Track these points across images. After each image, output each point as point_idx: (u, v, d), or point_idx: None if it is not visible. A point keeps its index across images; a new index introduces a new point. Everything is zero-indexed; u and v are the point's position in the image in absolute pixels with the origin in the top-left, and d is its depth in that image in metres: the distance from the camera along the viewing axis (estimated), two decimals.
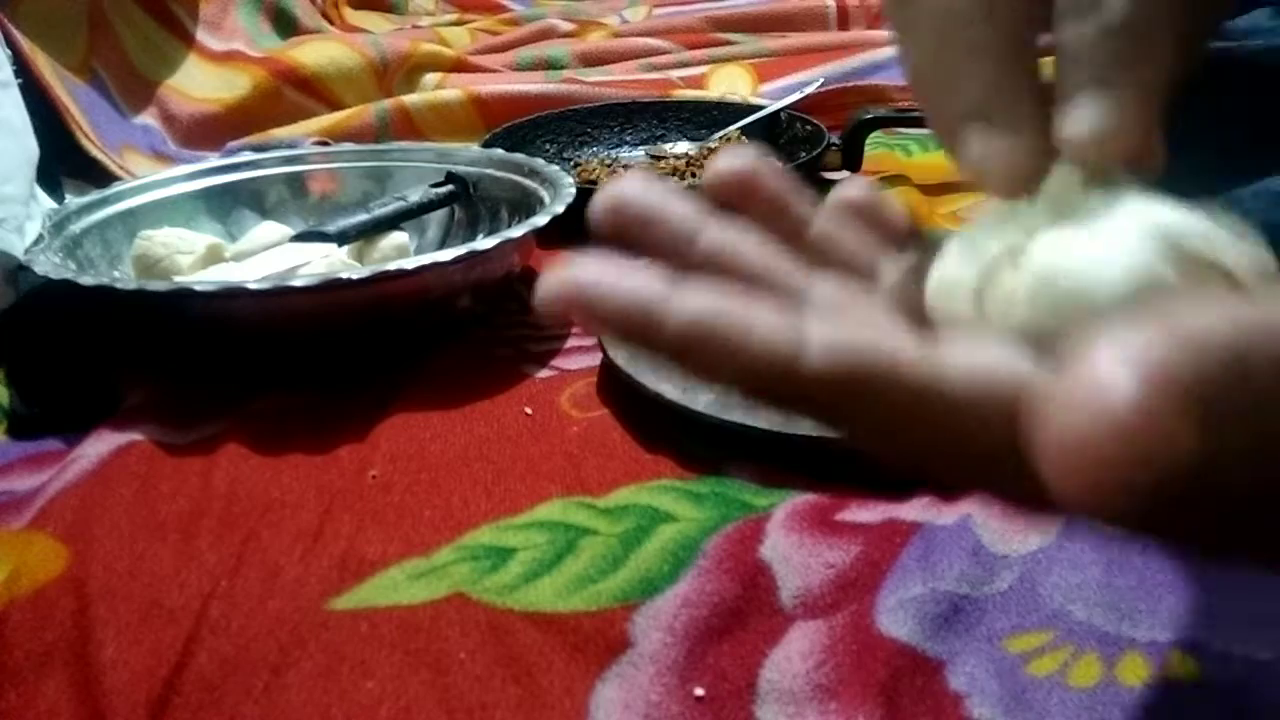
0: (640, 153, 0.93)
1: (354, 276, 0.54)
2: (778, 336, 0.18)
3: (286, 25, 1.18)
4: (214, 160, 0.79)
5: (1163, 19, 0.21)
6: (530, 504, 0.45)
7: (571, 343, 0.60)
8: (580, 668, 0.37)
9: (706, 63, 1.15)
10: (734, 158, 0.25)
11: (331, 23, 1.32)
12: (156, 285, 0.55)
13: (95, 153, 0.81)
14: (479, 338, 0.60)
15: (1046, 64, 0.22)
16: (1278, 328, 0.15)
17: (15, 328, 0.58)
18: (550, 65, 1.17)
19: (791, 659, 0.37)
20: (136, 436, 0.51)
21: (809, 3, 1.34)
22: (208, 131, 0.96)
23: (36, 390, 0.55)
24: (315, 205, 0.74)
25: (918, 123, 0.95)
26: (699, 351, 0.18)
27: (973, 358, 0.19)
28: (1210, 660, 0.35)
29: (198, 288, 0.54)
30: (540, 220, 0.59)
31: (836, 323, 0.19)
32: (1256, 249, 0.20)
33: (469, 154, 0.75)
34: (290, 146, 0.86)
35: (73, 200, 0.67)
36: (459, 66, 1.11)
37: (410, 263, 0.55)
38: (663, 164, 0.84)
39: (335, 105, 1.02)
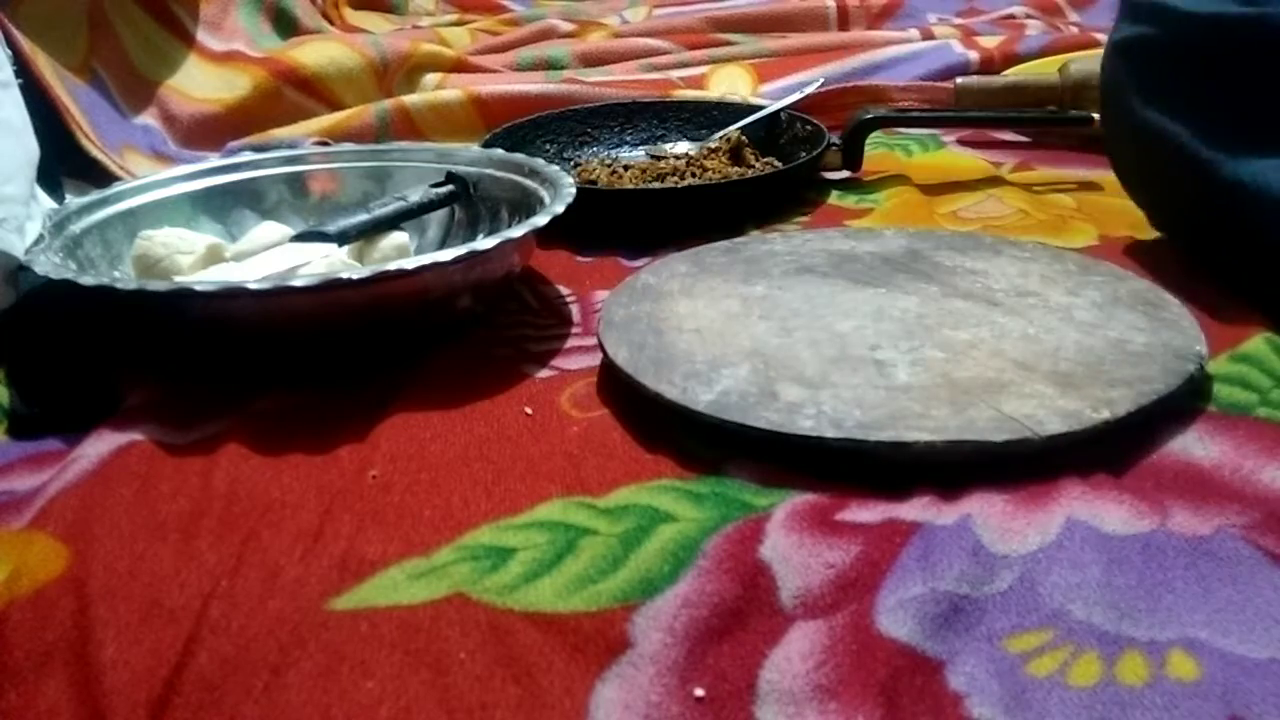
0: (640, 153, 0.93)
1: (354, 276, 0.54)
2: None
3: (287, 25, 1.18)
4: (214, 160, 0.79)
5: None
6: (530, 504, 0.45)
7: (571, 343, 0.60)
8: (580, 668, 0.37)
9: (707, 63, 1.15)
10: None
11: (332, 23, 1.32)
12: (156, 285, 0.55)
13: (95, 153, 0.81)
14: (479, 338, 0.60)
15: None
16: None
17: (15, 328, 0.58)
18: (550, 65, 1.17)
19: (791, 659, 0.37)
20: (136, 436, 0.51)
21: (809, 3, 1.34)
22: (208, 132, 0.96)
23: (36, 390, 0.55)
24: (315, 205, 0.75)
25: (918, 123, 0.95)
26: None
27: None
28: (1210, 660, 0.35)
29: (198, 288, 0.54)
30: (540, 220, 0.59)
31: None
32: None
33: (469, 154, 0.75)
34: (290, 146, 0.87)
35: (73, 200, 0.67)
36: (459, 67, 1.11)
37: (410, 263, 0.55)
38: (663, 164, 0.84)
39: (335, 105, 1.02)
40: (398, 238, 0.66)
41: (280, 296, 0.53)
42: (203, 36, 1.06)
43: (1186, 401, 0.49)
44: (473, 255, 0.55)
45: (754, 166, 0.85)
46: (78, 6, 0.92)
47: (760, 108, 0.93)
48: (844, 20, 1.34)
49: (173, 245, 0.63)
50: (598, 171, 0.84)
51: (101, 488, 0.47)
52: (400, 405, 0.52)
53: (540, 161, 0.71)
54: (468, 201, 0.72)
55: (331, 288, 0.53)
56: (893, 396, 0.48)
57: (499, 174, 0.71)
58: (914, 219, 0.75)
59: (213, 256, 0.63)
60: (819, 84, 0.99)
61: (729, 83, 1.09)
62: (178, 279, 0.60)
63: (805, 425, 0.46)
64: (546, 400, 0.53)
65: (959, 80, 0.98)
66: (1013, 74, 1.03)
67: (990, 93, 0.96)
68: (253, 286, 0.53)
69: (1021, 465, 0.44)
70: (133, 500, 0.46)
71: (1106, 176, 0.82)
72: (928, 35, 1.20)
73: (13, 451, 0.52)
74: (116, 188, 0.70)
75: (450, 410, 0.52)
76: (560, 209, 0.61)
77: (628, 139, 0.94)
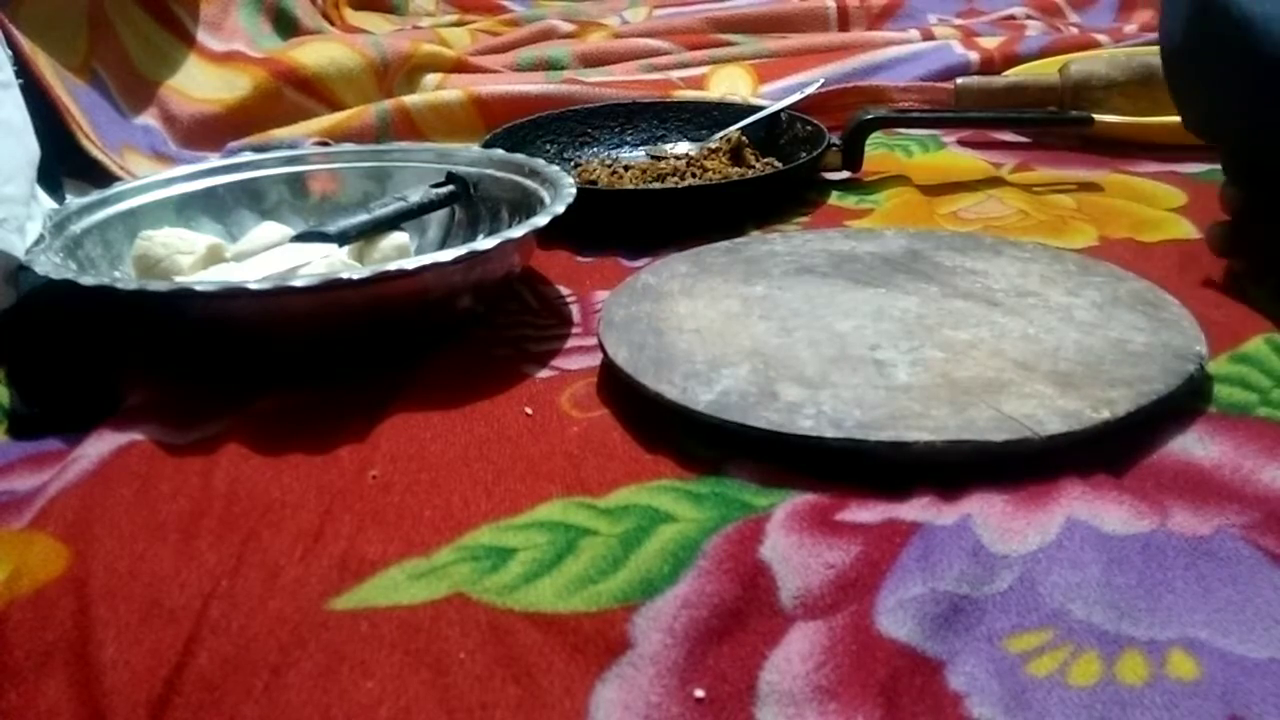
0: (640, 153, 0.93)
1: (354, 276, 0.54)
2: None
3: (287, 26, 1.18)
4: (214, 160, 0.79)
5: None
6: (530, 504, 0.45)
7: (571, 343, 0.60)
8: (580, 668, 0.37)
9: (707, 63, 1.15)
10: None
11: (332, 23, 1.32)
12: (157, 285, 0.55)
13: (96, 153, 0.81)
14: (479, 338, 0.60)
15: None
16: None
17: (15, 328, 0.58)
18: (551, 66, 1.17)
19: (791, 660, 0.37)
20: (136, 436, 0.51)
21: (809, 3, 1.34)
22: (208, 132, 0.96)
23: (36, 390, 0.55)
24: (315, 205, 0.75)
25: (918, 123, 0.95)
26: None
27: None
28: (1210, 660, 0.35)
29: (198, 288, 0.54)
30: (540, 220, 0.59)
31: None
32: None
33: (469, 154, 0.75)
34: (290, 147, 0.87)
35: (73, 200, 0.67)
36: (459, 67, 1.11)
37: (410, 263, 0.55)
38: (663, 164, 0.84)
39: (336, 106, 1.02)
40: (398, 238, 0.66)
41: (280, 296, 0.53)
42: (203, 37, 1.06)
43: (1186, 401, 0.49)
44: (473, 255, 0.55)
45: (754, 167, 0.85)
46: (78, 7, 0.92)
47: (760, 108, 0.93)
48: (844, 21, 1.34)
49: (173, 245, 0.63)
50: (598, 172, 0.84)
51: (102, 488, 0.47)
52: (400, 405, 0.52)
53: (540, 162, 0.71)
54: (468, 202, 0.72)
55: (331, 288, 0.53)
56: (893, 396, 0.48)
57: (499, 174, 0.71)
58: (914, 219, 0.75)
59: (213, 257, 0.63)
60: (819, 84, 0.98)
61: (729, 83, 1.09)
62: (178, 279, 0.60)
63: (805, 425, 0.46)
64: (546, 400, 0.53)
65: (959, 81, 0.98)
66: (1013, 74, 1.03)
67: (990, 93, 0.96)
68: (253, 287, 0.53)
69: (1021, 465, 0.44)
70: (133, 500, 0.46)
71: (1107, 177, 0.82)
72: (928, 36, 1.20)
73: (13, 451, 0.52)
74: (117, 188, 0.70)
75: (450, 410, 0.52)
76: (560, 209, 0.61)
77: (628, 139, 0.94)
